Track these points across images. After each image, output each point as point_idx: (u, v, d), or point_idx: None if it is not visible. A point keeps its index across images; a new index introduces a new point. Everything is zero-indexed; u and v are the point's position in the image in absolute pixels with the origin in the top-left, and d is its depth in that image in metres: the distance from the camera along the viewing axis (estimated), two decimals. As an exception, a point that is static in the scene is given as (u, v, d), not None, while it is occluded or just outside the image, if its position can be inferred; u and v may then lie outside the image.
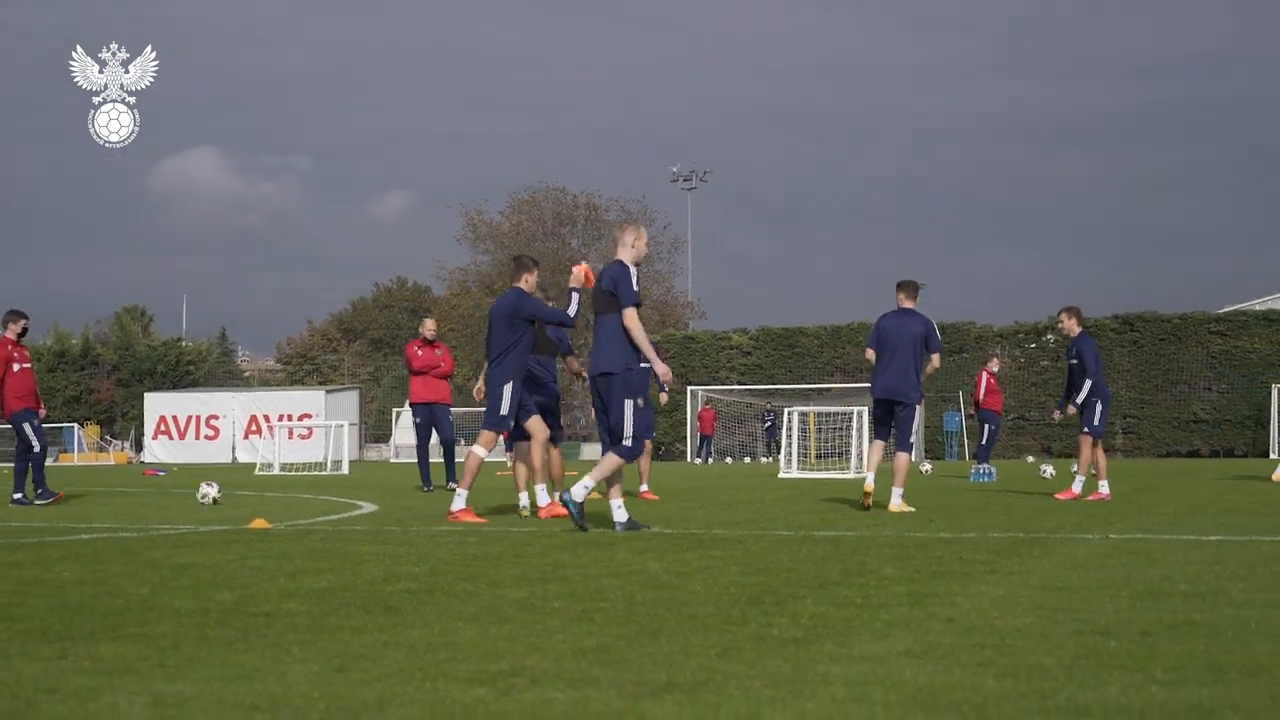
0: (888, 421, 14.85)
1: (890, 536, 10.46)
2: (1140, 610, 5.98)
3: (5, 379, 17.43)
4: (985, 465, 25.74)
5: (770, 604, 6.27)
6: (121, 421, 79.35)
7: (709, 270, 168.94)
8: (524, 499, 14.41)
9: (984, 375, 27.31)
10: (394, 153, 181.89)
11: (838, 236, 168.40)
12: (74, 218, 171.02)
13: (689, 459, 53.10)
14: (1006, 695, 4.15)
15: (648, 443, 12.31)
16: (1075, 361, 16.97)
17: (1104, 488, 16.81)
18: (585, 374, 12.63)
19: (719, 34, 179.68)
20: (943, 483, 24.07)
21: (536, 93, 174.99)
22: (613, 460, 11.38)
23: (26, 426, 17.51)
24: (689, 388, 54.07)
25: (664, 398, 19.08)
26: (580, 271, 12.65)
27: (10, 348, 17.48)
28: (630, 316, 11.40)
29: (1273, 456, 46.27)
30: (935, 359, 14.62)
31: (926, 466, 31.77)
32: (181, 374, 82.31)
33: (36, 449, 17.52)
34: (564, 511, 12.88)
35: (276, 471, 34.75)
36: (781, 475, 27.20)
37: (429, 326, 21.80)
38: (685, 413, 54.53)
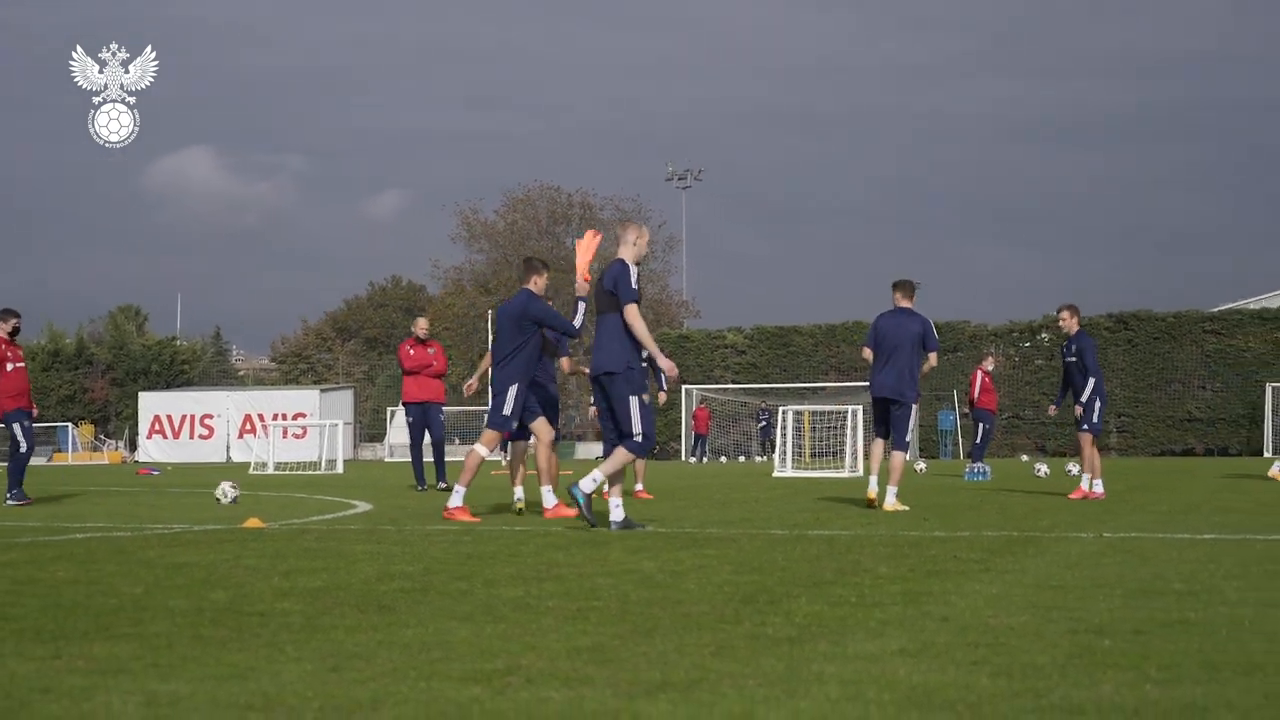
0: (887, 420, 14.87)
1: (884, 535, 10.46)
2: (1134, 609, 5.98)
3: None
4: (980, 464, 25.76)
5: (764, 603, 6.27)
6: (116, 421, 79.30)
7: (704, 269, 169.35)
8: (519, 492, 14.43)
9: (979, 374, 27.33)
10: (389, 152, 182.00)
11: (833, 235, 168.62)
12: (69, 217, 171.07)
13: (684, 458, 53.12)
14: (1001, 694, 4.15)
15: None
16: (1074, 359, 16.98)
17: (1098, 486, 16.85)
18: (585, 371, 12.62)
19: (714, 33, 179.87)
20: (937, 481, 24.08)
21: (532, 92, 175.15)
22: (623, 454, 11.37)
23: (16, 427, 17.46)
24: (684, 387, 54.08)
25: (662, 397, 19.07)
26: (584, 283, 12.71)
27: (3, 346, 17.44)
28: (632, 313, 11.39)
29: (1267, 455, 46.33)
30: (933, 358, 14.64)
31: (921, 465, 31.79)
32: (176, 373, 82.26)
33: (23, 449, 17.48)
34: (569, 513, 12.90)
35: (271, 471, 34.73)
36: (776, 474, 27.20)
37: (421, 325, 21.77)
38: (680, 412, 54.56)
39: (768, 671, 4.53)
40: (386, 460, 55.37)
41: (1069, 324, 17.19)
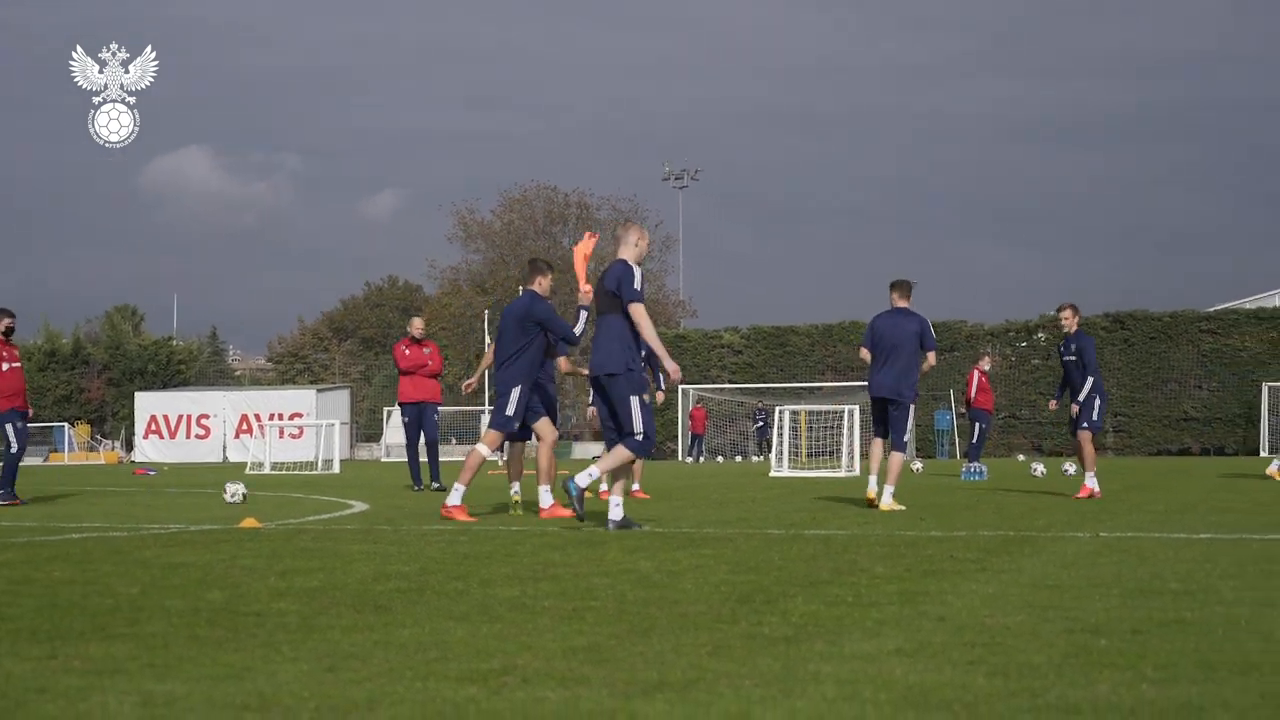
0: (886, 419, 14.89)
1: (881, 535, 10.47)
2: (1131, 608, 5.99)
3: None
4: (976, 464, 25.76)
5: (761, 602, 6.27)
6: (112, 421, 79.24)
7: (700, 269, 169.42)
8: (516, 488, 14.46)
9: (975, 374, 27.34)
10: (385, 152, 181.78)
11: (829, 235, 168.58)
12: (65, 217, 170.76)
13: (680, 458, 53.13)
14: (997, 693, 4.16)
15: None
16: (1073, 359, 16.99)
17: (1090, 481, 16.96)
18: (583, 372, 12.64)
19: (710, 33, 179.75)
20: (934, 481, 24.09)
21: (529, 92, 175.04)
22: (622, 452, 11.35)
23: (9, 427, 17.43)
24: (680, 387, 54.05)
25: (660, 397, 19.07)
26: (586, 292, 12.74)
27: (-2, 345, 17.40)
28: (638, 312, 11.39)
29: (1263, 454, 46.36)
30: (931, 357, 14.66)
31: (917, 465, 31.78)
32: (172, 373, 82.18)
33: (14, 450, 17.46)
34: (565, 513, 12.92)
35: (267, 471, 34.71)
36: (772, 474, 27.21)
37: (417, 325, 21.76)
38: (677, 412, 54.57)
39: (764, 671, 4.54)
40: (383, 460, 55.34)
41: (1071, 323, 17.19)
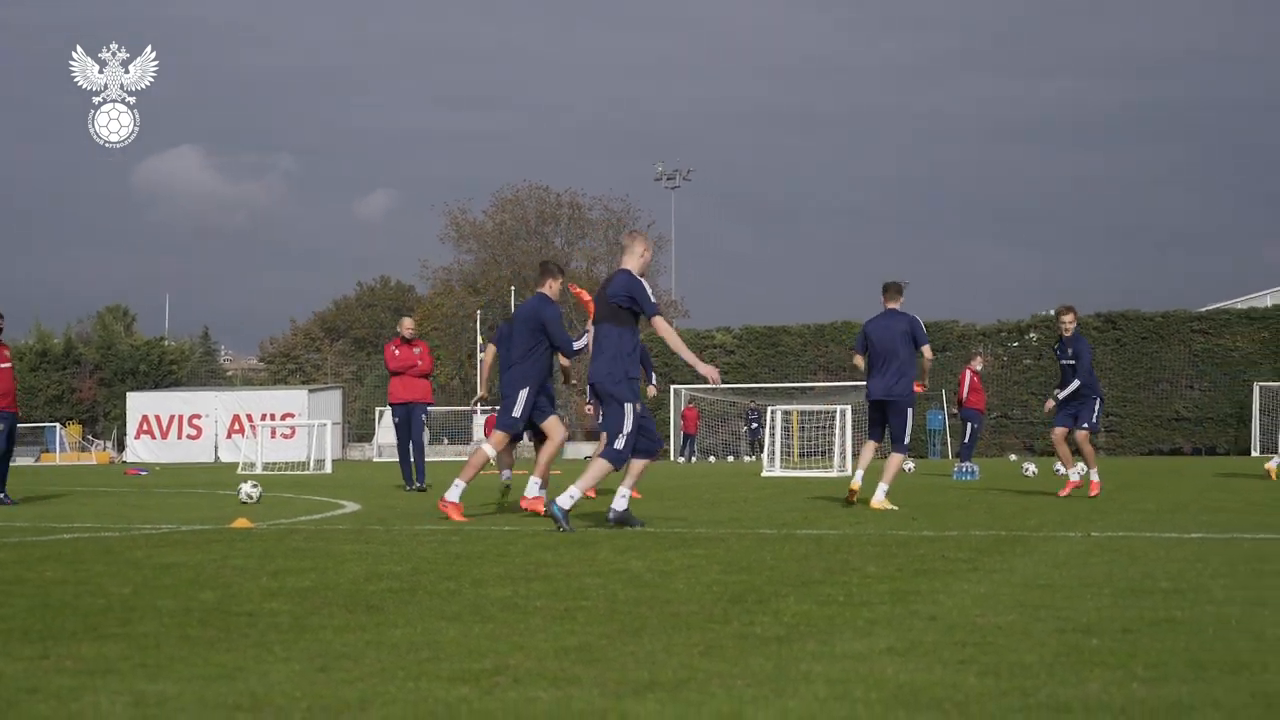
0: (882, 423, 14.95)
1: (873, 534, 10.48)
2: (1122, 608, 6.00)
3: None
4: (968, 463, 25.80)
5: (753, 602, 6.28)
6: (104, 421, 79.13)
7: (693, 269, 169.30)
8: (506, 474, 14.49)
9: (967, 374, 27.37)
10: (377, 152, 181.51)
11: (821, 235, 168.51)
12: (57, 217, 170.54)
13: (672, 458, 53.13)
14: (988, 693, 4.16)
15: None
16: (1071, 362, 17.02)
17: (1075, 475, 17.07)
18: (564, 366, 12.79)
19: (705, 33, 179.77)
20: (926, 481, 24.11)
21: (521, 92, 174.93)
22: (600, 466, 11.44)
23: None
24: (672, 387, 54.06)
25: (652, 391, 19.07)
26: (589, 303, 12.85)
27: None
28: (661, 325, 11.60)
29: (1254, 454, 46.42)
30: (926, 351, 14.73)
31: (909, 465, 31.80)
32: (164, 373, 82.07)
33: (0, 449, 17.43)
34: (538, 508, 12.95)
35: (259, 471, 34.66)
36: (764, 474, 27.22)
37: (407, 325, 21.75)
38: (669, 411, 54.56)
39: (756, 671, 4.54)
40: (375, 460, 55.33)
41: (1070, 326, 17.23)
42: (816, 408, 34.82)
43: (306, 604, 6.35)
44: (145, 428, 62.46)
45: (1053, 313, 55.68)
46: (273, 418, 55.17)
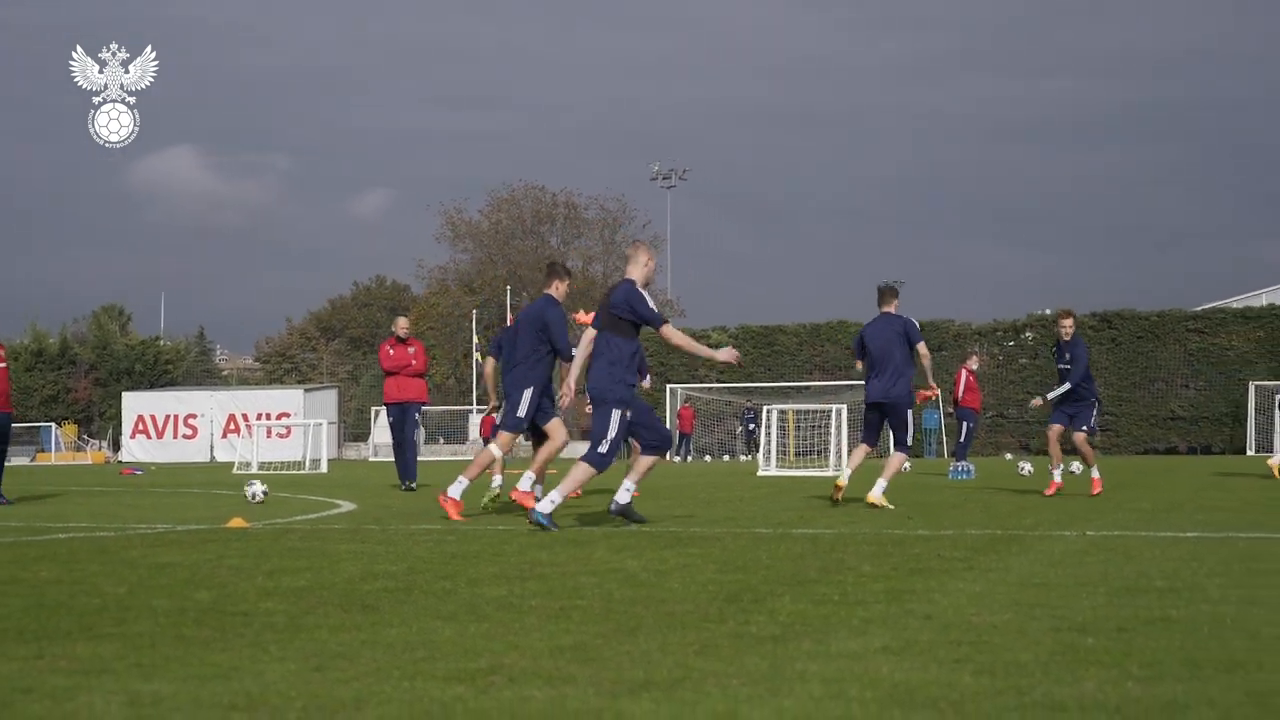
0: (878, 427, 15.12)
1: (868, 534, 10.48)
2: (1117, 607, 6.00)
3: None
4: (963, 462, 25.81)
5: (748, 601, 6.28)
6: (99, 421, 79.08)
7: (688, 268, 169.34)
8: (497, 480, 14.49)
9: (963, 373, 27.37)
10: (373, 151, 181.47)
11: (818, 235, 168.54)
12: (51, 217, 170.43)
13: (668, 457, 53.11)
14: (983, 692, 4.16)
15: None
16: (1068, 366, 17.05)
17: (1058, 475, 17.28)
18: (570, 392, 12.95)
19: (700, 33, 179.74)
20: (921, 480, 24.12)
21: (516, 92, 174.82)
22: (582, 470, 11.46)
23: None
24: (668, 386, 54.05)
25: (646, 383, 19.08)
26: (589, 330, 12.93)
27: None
28: (669, 332, 11.73)
29: (1250, 453, 46.46)
30: (921, 348, 14.80)
31: (906, 465, 31.82)
32: (159, 373, 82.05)
33: None
34: (530, 503, 12.94)
35: (255, 470, 34.65)
36: (760, 473, 27.23)
37: (402, 325, 21.73)
38: (664, 411, 54.55)
39: (751, 670, 4.54)
40: (371, 460, 55.30)
41: (1069, 330, 17.26)
42: (812, 407, 34.84)
43: (302, 603, 6.35)
44: (141, 427, 62.42)
45: (1048, 312, 55.87)
46: (268, 417, 55.11)
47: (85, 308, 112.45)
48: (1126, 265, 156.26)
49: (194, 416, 62.13)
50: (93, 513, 14.92)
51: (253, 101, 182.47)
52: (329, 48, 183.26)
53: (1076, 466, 24.99)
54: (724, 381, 56.77)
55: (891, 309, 14.95)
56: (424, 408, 21.88)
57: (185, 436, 61.73)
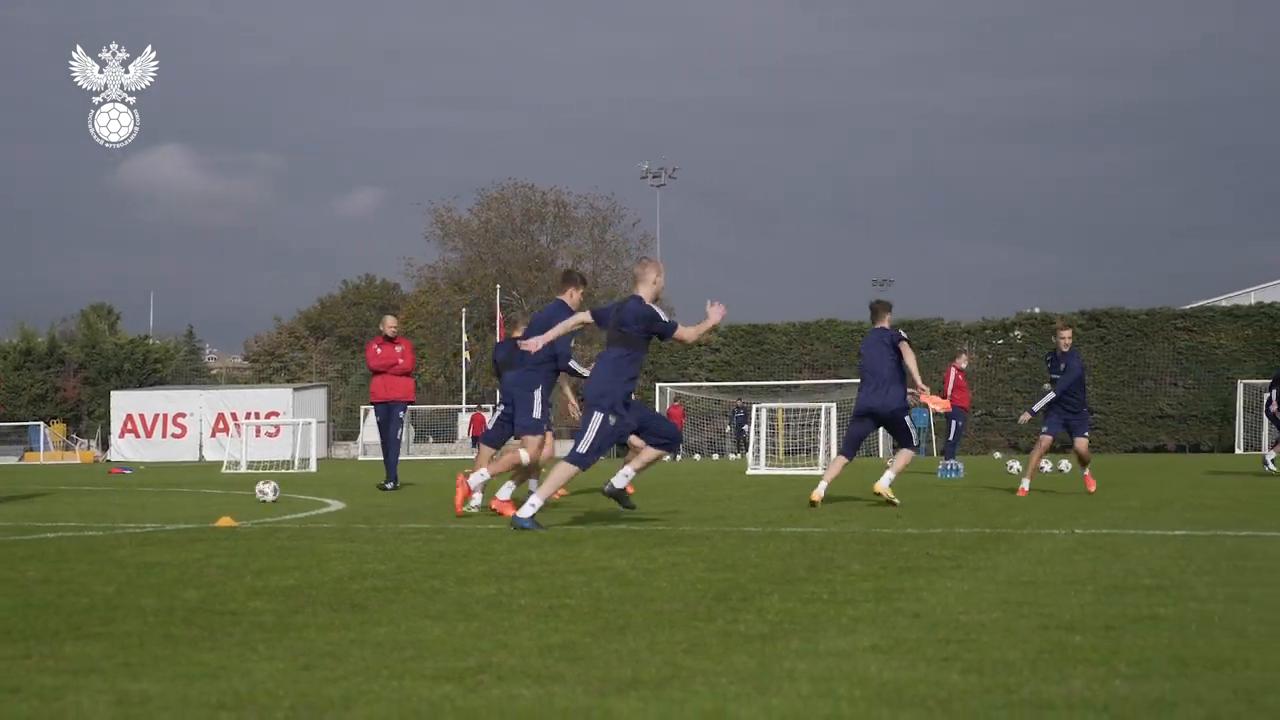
0: (859, 439, 15.48)
1: (857, 532, 10.49)
2: (1105, 605, 6.01)
3: None
4: (952, 461, 25.83)
5: (737, 600, 6.28)
6: (88, 420, 79.01)
7: (678, 267, 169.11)
8: (477, 498, 14.47)
9: (952, 371, 27.39)
10: (363, 150, 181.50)
11: (807, 233, 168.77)
12: (41, 216, 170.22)
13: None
14: (971, 690, 4.17)
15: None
16: (1060, 377, 17.09)
17: (1026, 484, 17.42)
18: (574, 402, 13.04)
19: (691, 32, 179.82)
20: (910, 479, 24.10)
21: (506, 91, 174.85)
22: (564, 469, 11.46)
23: None
24: (657, 385, 54.07)
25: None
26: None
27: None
28: (681, 333, 11.78)
29: (1238, 451, 46.56)
30: (904, 348, 14.84)
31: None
32: (148, 372, 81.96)
33: None
34: (508, 511, 12.93)
35: (244, 470, 34.62)
36: (750, 472, 27.24)
37: (389, 324, 21.70)
38: (654, 409, 54.56)
39: (739, 669, 4.54)
40: (360, 459, 55.26)
41: (1068, 342, 17.33)
42: (801, 406, 34.86)
43: (290, 603, 6.35)
44: (129, 426, 62.36)
45: (1037, 311, 56.01)
46: (257, 416, 55.05)
47: (74, 307, 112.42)
48: (1116, 265, 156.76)
49: (183, 416, 62.09)
50: (81, 512, 14.89)
51: (241, 101, 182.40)
52: (319, 48, 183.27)
53: (1065, 465, 25.07)
54: (713, 380, 56.78)
55: (884, 323, 15.29)
56: (411, 407, 21.85)
57: (174, 436, 61.68)
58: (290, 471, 33.46)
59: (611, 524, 11.67)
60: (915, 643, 5.02)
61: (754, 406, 30.22)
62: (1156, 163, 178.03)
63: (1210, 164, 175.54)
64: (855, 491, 17.15)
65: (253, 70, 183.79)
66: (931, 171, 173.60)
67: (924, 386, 15.54)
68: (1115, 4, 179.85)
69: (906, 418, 15.08)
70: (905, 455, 15.28)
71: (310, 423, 38.17)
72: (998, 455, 46.83)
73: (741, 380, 55.86)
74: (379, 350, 21.19)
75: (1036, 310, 57.08)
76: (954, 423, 27.01)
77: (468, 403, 67.41)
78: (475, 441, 56.43)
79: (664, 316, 11.69)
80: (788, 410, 35.48)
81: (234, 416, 57.10)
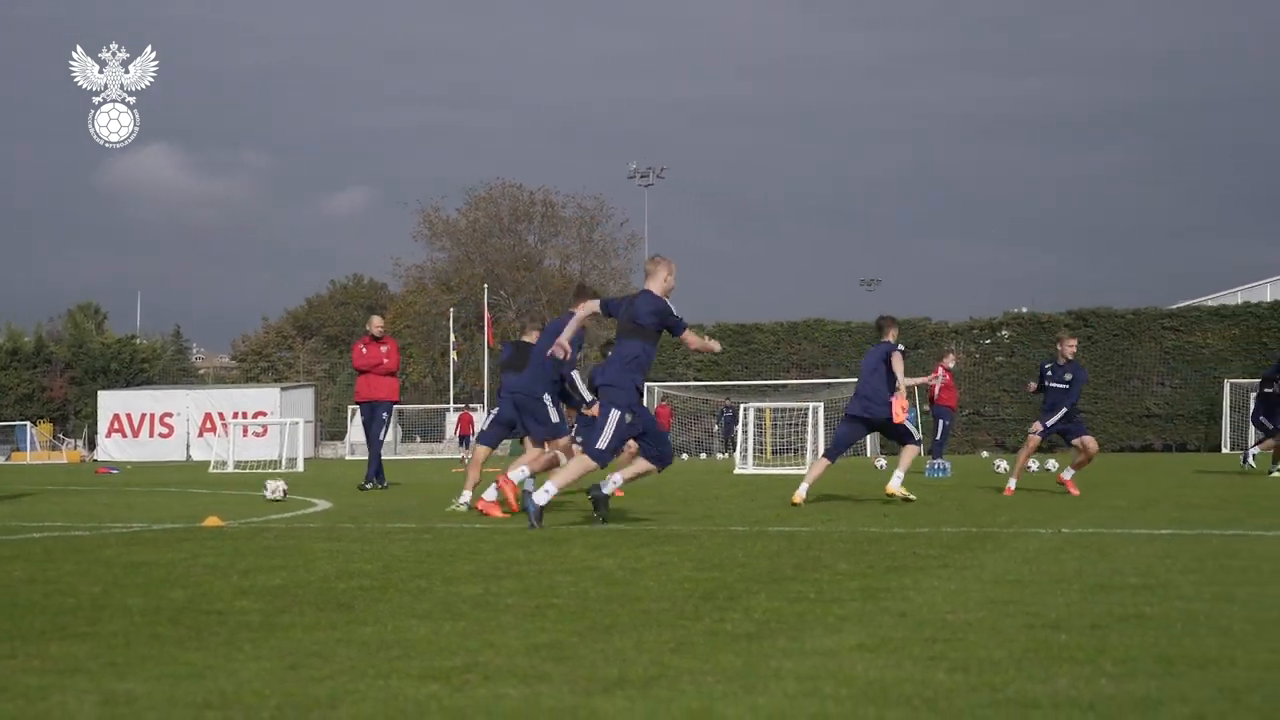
0: (846, 443, 15.86)
1: (844, 532, 10.50)
2: (1091, 604, 6.02)
3: None
4: (940, 461, 25.86)
5: (724, 599, 6.28)
6: (75, 419, 78.86)
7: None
8: (466, 496, 14.46)
9: (939, 370, 27.40)
10: (350, 149, 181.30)
11: (795, 233, 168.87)
12: (29, 214, 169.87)
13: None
14: (957, 688, 4.17)
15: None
16: (1064, 386, 17.14)
17: (1013, 484, 17.57)
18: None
19: (680, 31, 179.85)
20: (898, 478, 24.13)
21: (494, 90, 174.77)
22: (582, 462, 11.58)
23: None
24: (645, 384, 54.02)
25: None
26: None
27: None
28: (688, 339, 11.97)
29: (1225, 451, 46.63)
30: (894, 358, 15.13)
31: (881, 462, 31.86)
32: (135, 372, 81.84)
33: None
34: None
35: (231, 469, 34.59)
36: (737, 471, 27.24)
37: (376, 324, 21.67)
38: (642, 409, 54.52)
39: (726, 668, 4.54)
40: (347, 458, 55.21)
41: (1073, 352, 17.41)
42: (789, 405, 34.87)
43: (277, 602, 6.34)
44: (116, 426, 62.22)
45: (1024, 310, 56.05)
46: (245, 416, 54.98)
47: (61, 306, 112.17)
48: (1115, 265, 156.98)
49: (170, 415, 61.97)
50: (68, 512, 14.87)
51: (228, 100, 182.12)
52: (306, 47, 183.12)
53: (1052, 464, 25.10)
54: (701, 379, 56.78)
55: (889, 338, 15.66)
56: (398, 406, 21.84)
57: (161, 435, 61.55)
58: (277, 471, 33.42)
59: (599, 523, 11.66)
60: (901, 642, 5.03)
61: (742, 406, 30.23)
62: (1156, 163, 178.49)
63: (1210, 164, 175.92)
64: (842, 491, 17.17)
65: (242, 70, 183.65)
66: (924, 172, 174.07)
67: (904, 402, 15.58)
68: (1115, 4, 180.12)
69: (907, 420, 15.28)
70: (910, 451, 15.52)
71: (297, 422, 38.16)
72: (985, 454, 46.86)
73: (729, 380, 55.84)
74: (364, 350, 21.17)
75: (1024, 310, 57.10)
76: (941, 422, 27.04)
77: (455, 402, 67.41)
78: (463, 441, 56.51)
79: (675, 311, 11.77)
80: (775, 410, 35.48)
81: (221, 416, 57.02)
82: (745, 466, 27.92)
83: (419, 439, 68.29)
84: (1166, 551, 8.50)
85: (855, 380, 16.13)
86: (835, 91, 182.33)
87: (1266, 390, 23.67)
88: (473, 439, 54.80)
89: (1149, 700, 4.00)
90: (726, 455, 49.44)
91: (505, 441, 15.78)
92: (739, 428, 29.98)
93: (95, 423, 65.82)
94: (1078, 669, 4.47)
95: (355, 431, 58.13)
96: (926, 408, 29.70)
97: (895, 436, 15.60)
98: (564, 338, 12.39)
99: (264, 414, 56.42)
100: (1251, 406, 26.31)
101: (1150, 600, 6.10)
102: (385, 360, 21.14)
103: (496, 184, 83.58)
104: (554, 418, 13.44)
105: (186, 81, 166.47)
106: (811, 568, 7.68)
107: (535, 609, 6.02)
